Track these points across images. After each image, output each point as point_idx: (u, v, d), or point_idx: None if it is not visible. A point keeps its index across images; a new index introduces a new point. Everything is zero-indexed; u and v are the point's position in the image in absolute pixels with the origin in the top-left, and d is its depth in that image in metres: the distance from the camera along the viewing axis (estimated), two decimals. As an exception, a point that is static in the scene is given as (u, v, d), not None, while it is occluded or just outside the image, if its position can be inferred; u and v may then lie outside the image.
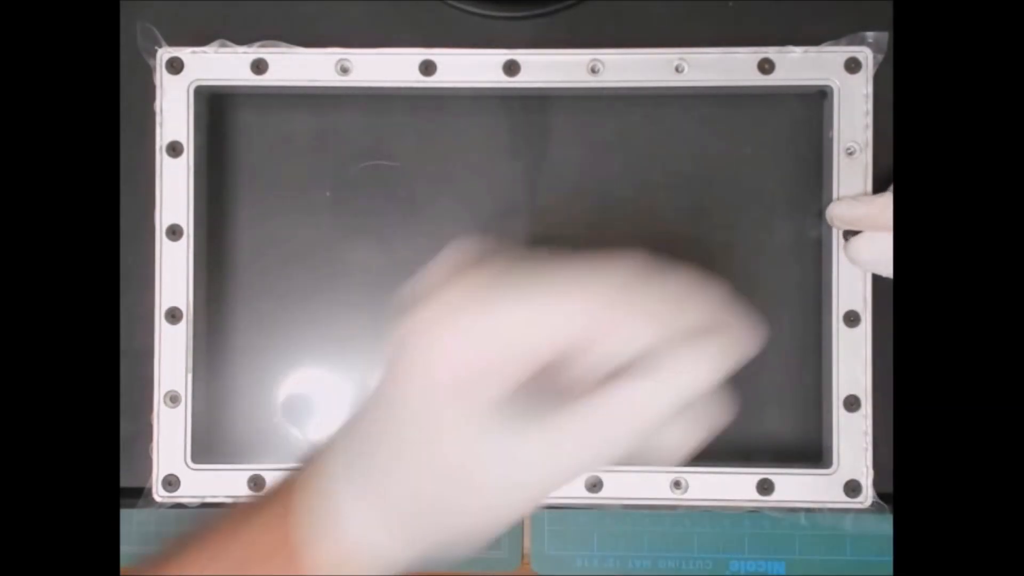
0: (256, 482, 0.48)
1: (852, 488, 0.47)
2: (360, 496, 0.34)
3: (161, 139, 0.48)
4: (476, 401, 0.33)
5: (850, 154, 0.47)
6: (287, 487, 0.35)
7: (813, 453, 0.50)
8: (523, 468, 0.33)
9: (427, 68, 0.48)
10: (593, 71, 0.48)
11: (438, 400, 0.33)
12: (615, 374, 0.33)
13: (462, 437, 0.33)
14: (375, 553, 0.34)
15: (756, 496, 0.48)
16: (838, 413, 0.48)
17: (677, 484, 0.48)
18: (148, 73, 0.49)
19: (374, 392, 0.35)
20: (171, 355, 0.48)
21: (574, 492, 0.48)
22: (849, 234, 0.47)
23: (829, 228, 0.48)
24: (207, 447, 0.49)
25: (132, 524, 0.53)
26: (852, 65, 0.47)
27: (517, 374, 0.33)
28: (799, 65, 0.48)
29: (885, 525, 0.49)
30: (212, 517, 0.36)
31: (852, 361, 0.48)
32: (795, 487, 0.48)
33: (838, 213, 0.47)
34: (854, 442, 0.48)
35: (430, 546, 0.34)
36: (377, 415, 0.35)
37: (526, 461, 0.33)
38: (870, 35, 0.48)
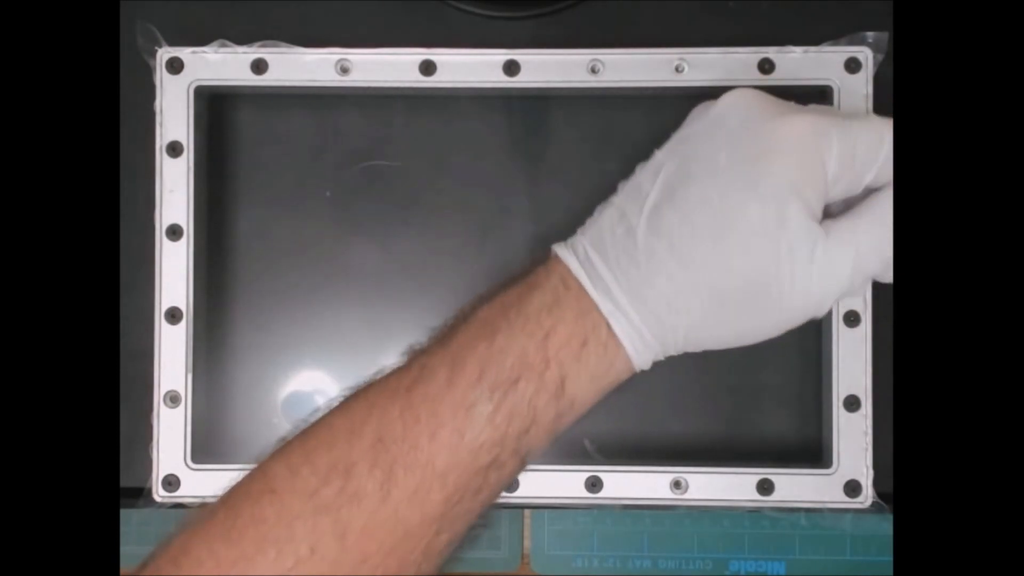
0: (256, 482, 0.48)
1: (852, 488, 0.47)
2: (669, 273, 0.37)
3: (161, 139, 0.48)
4: (817, 210, 0.37)
5: (850, 154, 0.47)
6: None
7: (813, 453, 0.50)
8: (828, 269, 0.37)
9: (427, 68, 0.48)
10: (593, 71, 0.48)
11: (785, 189, 0.37)
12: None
13: (801, 243, 0.37)
14: (677, 327, 0.38)
15: (756, 496, 0.48)
16: (838, 413, 0.48)
17: (677, 484, 0.48)
18: (148, 73, 0.49)
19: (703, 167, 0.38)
20: (171, 355, 0.48)
21: (574, 492, 0.48)
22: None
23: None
24: (207, 447, 0.49)
25: (132, 524, 0.53)
26: (852, 65, 0.47)
27: (839, 187, 0.38)
28: (799, 65, 0.48)
29: (885, 525, 0.49)
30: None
31: (852, 361, 0.48)
32: (795, 487, 0.48)
33: None
34: (854, 442, 0.48)
35: (728, 325, 0.38)
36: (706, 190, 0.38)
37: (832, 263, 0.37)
38: (870, 35, 0.48)
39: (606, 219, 0.39)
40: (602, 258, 0.39)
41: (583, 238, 0.40)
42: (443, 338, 0.40)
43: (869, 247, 0.37)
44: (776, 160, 0.37)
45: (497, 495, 0.40)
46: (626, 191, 0.40)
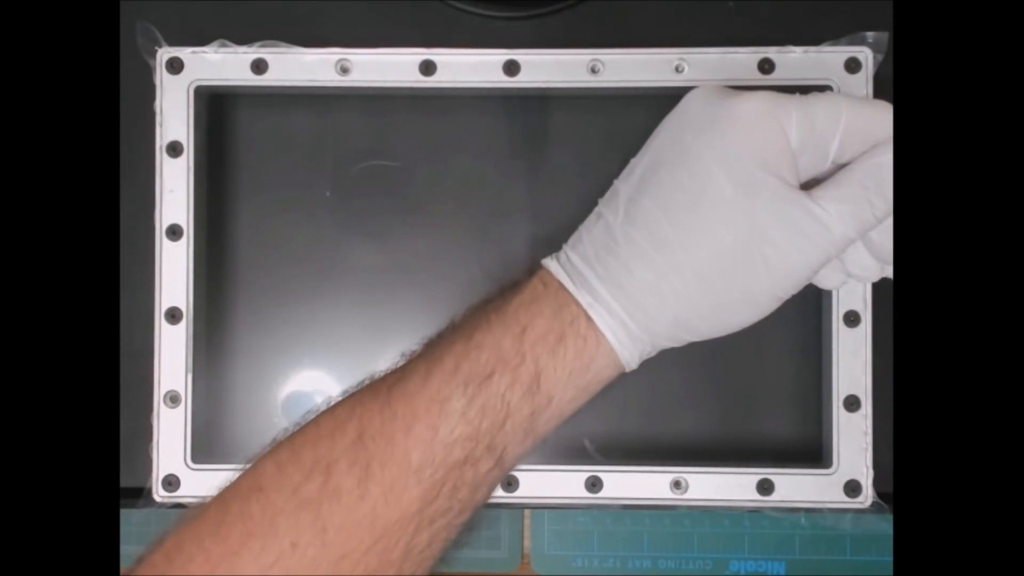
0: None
1: (852, 488, 0.47)
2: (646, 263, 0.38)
3: (161, 139, 0.48)
4: (787, 176, 0.37)
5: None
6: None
7: (813, 453, 0.50)
8: (810, 235, 0.37)
9: (427, 68, 0.48)
10: (593, 71, 0.48)
11: (753, 168, 0.37)
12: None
13: (772, 205, 0.37)
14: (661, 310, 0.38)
15: (756, 496, 0.48)
16: (838, 413, 0.48)
17: (677, 484, 0.48)
18: (148, 73, 0.49)
19: (670, 151, 0.39)
20: (171, 355, 0.48)
21: (574, 492, 0.48)
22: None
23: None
24: (207, 447, 0.49)
25: (132, 524, 0.53)
26: (852, 65, 0.47)
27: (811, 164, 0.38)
28: (799, 65, 0.48)
29: (885, 525, 0.49)
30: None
31: (852, 361, 0.48)
32: (795, 487, 0.48)
33: None
34: (854, 442, 0.48)
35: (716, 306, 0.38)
36: (678, 175, 0.38)
37: (812, 231, 0.37)
38: (870, 35, 0.48)
39: (586, 224, 0.40)
40: (581, 256, 0.39)
41: (565, 246, 0.40)
42: (429, 342, 0.40)
43: (848, 207, 0.37)
44: (738, 131, 0.37)
45: (477, 498, 0.39)
46: (604, 198, 0.40)
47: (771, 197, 0.37)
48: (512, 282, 0.41)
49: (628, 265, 0.38)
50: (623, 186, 0.39)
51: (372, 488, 0.37)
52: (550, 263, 0.40)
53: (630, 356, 0.39)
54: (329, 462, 0.38)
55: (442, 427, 0.38)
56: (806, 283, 0.39)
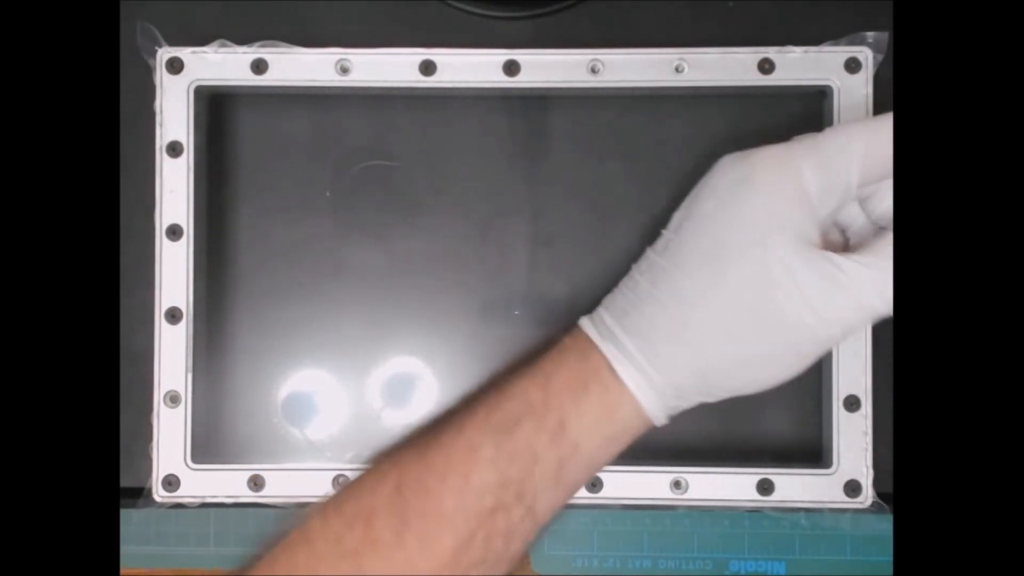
0: (256, 482, 0.48)
1: (852, 488, 0.47)
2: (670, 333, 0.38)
3: (161, 139, 0.48)
4: (804, 226, 0.38)
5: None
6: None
7: (813, 453, 0.50)
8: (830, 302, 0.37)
9: (427, 68, 0.48)
10: (593, 71, 0.48)
11: (772, 228, 0.37)
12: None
13: (785, 255, 0.37)
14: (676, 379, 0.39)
15: (756, 496, 0.48)
16: (838, 413, 0.48)
17: (677, 484, 0.48)
18: (148, 73, 0.49)
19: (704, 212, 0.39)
20: (171, 355, 0.48)
21: (574, 492, 0.48)
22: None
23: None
24: (207, 447, 0.49)
25: (132, 524, 0.53)
26: (852, 65, 0.47)
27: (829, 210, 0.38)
28: (799, 65, 0.48)
29: (885, 525, 0.49)
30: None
31: (852, 361, 0.48)
32: (795, 487, 0.48)
33: None
34: (854, 442, 0.48)
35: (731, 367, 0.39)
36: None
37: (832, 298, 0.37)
38: (870, 35, 0.48)
39: (620, 286, 0.41)
40: (610, 312, 0.40)
41: (599, 306, 0.41)
42: (465, 396, 0.43)
43: (870, 285, 0.37)
44: (753, 191, 0.38)
45: (512, 550, 0.39)
46: (637, 263, 0.41)
47: (785, 248, 0.37)
48: (548, 340, 0.42)
49: (652, 320, 0.39)
50: (652, 253, 0.41)
51: (408, 538, 0.38)
52: (583, 320, 0.41)
53: (654, 408, 0.39)
54: (369, 513, 0.38)
55: (474, 475, 0.38)
56: (833, 341, 0.38)
